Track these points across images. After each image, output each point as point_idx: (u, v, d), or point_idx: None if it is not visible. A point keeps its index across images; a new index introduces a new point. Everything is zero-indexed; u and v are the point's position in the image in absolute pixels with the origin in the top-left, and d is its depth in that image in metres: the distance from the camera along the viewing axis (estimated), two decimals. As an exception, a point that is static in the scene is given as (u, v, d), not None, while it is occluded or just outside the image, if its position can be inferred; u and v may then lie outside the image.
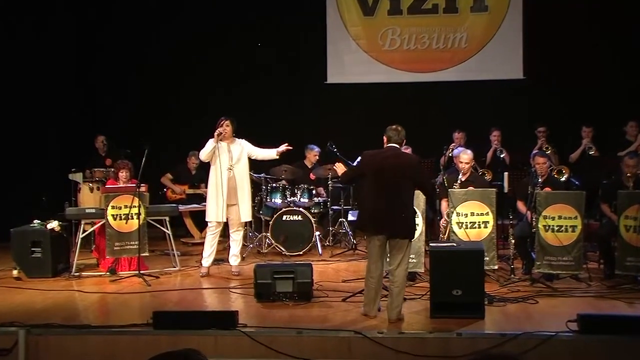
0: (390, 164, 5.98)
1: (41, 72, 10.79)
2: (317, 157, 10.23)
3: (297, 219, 9.30)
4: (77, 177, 9.93)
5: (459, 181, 7.92)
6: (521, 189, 7.93)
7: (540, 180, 7.69)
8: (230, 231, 8.14)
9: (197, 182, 10.38)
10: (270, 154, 8.27)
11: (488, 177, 9.18)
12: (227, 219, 8.05)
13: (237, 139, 8.10)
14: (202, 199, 9.64)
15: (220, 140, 7.92)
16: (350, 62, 11.83)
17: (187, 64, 11.71)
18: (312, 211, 9.63)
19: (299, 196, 9.51)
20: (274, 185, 9.60)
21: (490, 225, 7.51)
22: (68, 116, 11.41)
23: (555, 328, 5.56)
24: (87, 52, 11.83)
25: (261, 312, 6.39)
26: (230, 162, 7.94)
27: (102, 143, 10.72)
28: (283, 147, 8.23)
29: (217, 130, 7.90)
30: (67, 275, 8.06)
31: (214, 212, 7.96)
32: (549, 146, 10.03)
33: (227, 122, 7.97)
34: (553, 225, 7.28)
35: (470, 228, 7.51)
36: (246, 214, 8.09)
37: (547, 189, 7.62)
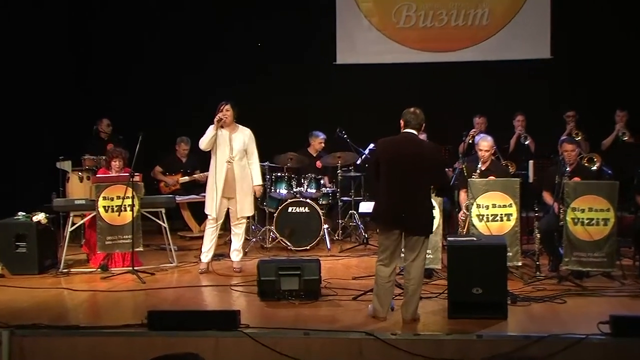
0: (407, 152, 5.93)
1: (26, 50, 10.78)
2: (323, 145, 10.23)
3: (303, 211, 9.29)
4: (66, 165, 9.92)
5: (478, 170, 7.88)
6: (548, 179, 7.89)
7: (568, 169, 7.65)
8: (231, 224, 8.14)
9: (190, 168, 10.38)
10: (255, 178, 8.11)
11: (512, 169, 9.13)
12: (228, 210, 8.05)
13: (240, 126, 8.05)
14: (200, 188, 9.63)
15: (221, 127, 7.89)
16: (362, 41, 11.80)
17: (188, 45, 11.71)
18: (320, 202, 9.63)
19: (305, 186, 9.50)
20: (278, 174, 9.59)
21: (513, 218, 7.47)
22: (56, 100, 11.40)
23: (585, 330, 5.53)
24: (78, 32, 11.86)
25: (265, 312, 6.38)
26: (230, 154, 7.91)
27: (106, 127, 10.72)
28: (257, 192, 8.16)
29: (217, 116, 7.87)
30: (55, 272, 8.07)
31: (210, 205, 7.96)
32: (579, 132, 9.97)
33: (227, 106, 7.92)
34: (583, 218, 7.24)
35: (492, 221, 7.47)
36: (246, 209, 8.06)
37: (576, 179, 7.57)
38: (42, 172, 10.30)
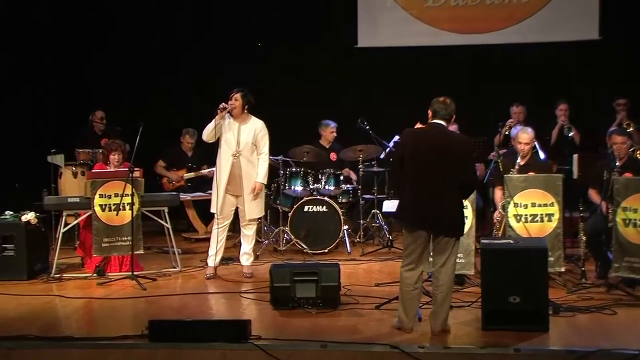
0: (434, 144, 5.90)
1: (12, 35, 10.86)
2: (335, 134, 10.23)
3: (321, 210, 9.29)
4: (58, 159, 9.96)
5: (516, 165, 7.84)
6: (594, 175, 7.83)
7: (618, 163, 7.60)
8: (240, 225, 8.14)
9: (196, 163, 10.40)
10: (259, 174, 8.04)
11: (553, 168, 9.06)
12: (237, 210, 8.06)
13: (253, 117, 8.04)
14: (207, 184, 9.64)
15: (231, 116, 7.90)
16: (386, 22, 11.79)
17: (196, 26, 11.75)
18: (340, 201, 9.63)
19: (323, 183, 9.50)
20: (293, 169, 9.59)
21: (555, 219, 7.43)
22: (46, 89, 11.48)
23: (638, 345, 5.50)
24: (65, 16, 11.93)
25: (278, 322, 6.39)
26: (236, 147, 7.92)
27: (100, 119, 10.77)
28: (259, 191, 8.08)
29: (221, 104, 7.87)
30: (46, 278, 8.10)
31: (214, 203, 8.01)
32: (631, 122, 9.86)
33: (237, 95, 7.93)
34: (635, 219, 7.18)
35: (531, 222, 7.44)
36: (254, 210, 8.06)
37: (628, 175, 7.52)
38: (31, 166, 10.34)
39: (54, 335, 6.00)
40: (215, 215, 8.04)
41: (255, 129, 8.00)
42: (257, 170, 8.03)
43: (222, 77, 10.99)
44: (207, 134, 7.95)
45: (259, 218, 8.45)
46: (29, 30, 11.18)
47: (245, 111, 7.97)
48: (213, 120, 7.89)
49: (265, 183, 8.17)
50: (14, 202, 8.69)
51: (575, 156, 9.02)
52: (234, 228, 8.57)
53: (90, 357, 5.74)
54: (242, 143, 7.94)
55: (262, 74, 11.45)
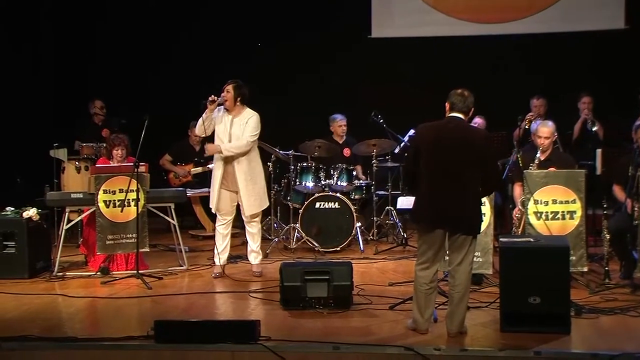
0: (451, 139, 5.88)
1: (9, 27, 10.92)
2: (344, 127, 10.24)
3: (333, 206, 9.30)
4: (61, 154, 9.99)
5: (537, 160, 7.81)
6: (619, 171, 7.79)
7: (644, 159, 7.56)
8: (244, 221, 8.17)
9: (204, 157, 10.41)
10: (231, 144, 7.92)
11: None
12: (239, 205, 8.09)
13: (247, 110, 8.01)
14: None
15: (225, 110, 7.91)
16: (400, 12, 11.79)
17: (204, 16, 11.79)
18: (352, 197, 9.63)
19: (335, 178, 9.51)
20: (304, 165, 9.59)
21: (577, 216, 7.40)
22: (47, 79, 11.52)
23: (664, 348, 5.49)
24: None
25: (288, 322, 6.39)
26: (227, 140, 7.92)
27: (100, 109, 10.79)
28: None
29: (210, 97, 7.85)
30: (48, 276, 8.14)
31: (211, 200, 8.08)
32: (657, 116, 9.84)
33: (229, 86, 7.91)
34: (661, 217, 7.16)
35: (552, 219, 7.41)
36: (252, 205, 8.03)
37: (653, 170, 7.48)
38: (33, 161, 10.38)
39: (56, 335, 6.00)
40: (219, 215, 8.05)
41: (246, 121, 7.96)
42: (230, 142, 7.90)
43: (232, 69, 10.98)
44: (198, 127, 7.99)
45: (269, 216, 8.45)
46: (25, 19, 11.21)
47: (239, 103, 7.94)
48: (203, 114, 7.90)
49: (226, 153, 7.88)
50: (15, 197, 8.73)
51: (599, 151, 8.97)
52: (242, 226, 8.58)
53: (94, 359, 5.75)
54: (233, 136, 7.91)
55: (273, 66, 11.45)
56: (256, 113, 8.02)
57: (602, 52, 11.10)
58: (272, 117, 10.52)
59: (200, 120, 7.91)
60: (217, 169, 7.99)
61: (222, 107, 7.94)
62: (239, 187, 7.95)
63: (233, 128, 7.92)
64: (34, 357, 5.78)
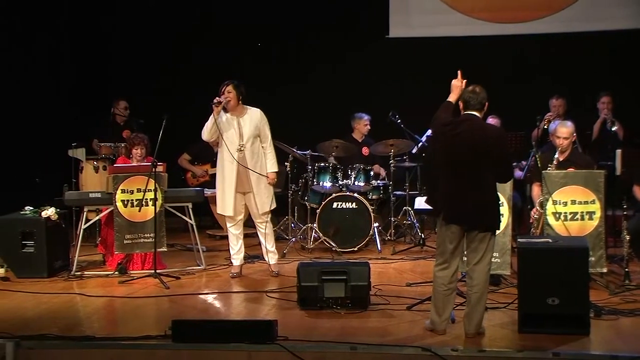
0: (467, 136, 5.88)
1: (29, 26, 10.97)
2: (369, 127, 10.26)
3: (350, 206, 9.29)
4: (79, 153, 10.02)
5: (555, 161, 7.79)
6: (639, 171, 7.75)
7: (664, 159, 7.53)
8: (255, 223, 8.17)
9: None
10: (270, 165, 8.07)
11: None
12: (246, 206, 8.10)
13: (249, 107, 8.02)
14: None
15: (225, 111, 7.90)
16: (418, 11, 11.76)
17: (219, 16, 11.80)
18: (370, 197, 9.63)
19: (353, 178, 9.50)
20: (322, 165, 9.59)
21: (596, 217, 7.37)
22: (66, 79, 11.58)
23: (685, 350, 5.46)
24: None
25: (306, 323, 6.39)
26: (239, 141, 7.91)
27: (123, 110, 10.83)
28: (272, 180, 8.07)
29: (215, 99, 7.84)
30: (66, 275, 8.18)
31: (221, 203, 8.03)
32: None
33: (229, 87, 7.89)
34: (681, 218, 7.13)
35: (571, 220, 7.38)
36: (266, 203, 8.04)
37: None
38: (52, 161, 10.43)
39: (74, 334, 6.03)
40: (229, 216, 8.03)
41: (255, 119, 7.96)
42: (267, 161, 8.03)
43: (251, 69, 11.03)
44: (208, 132, 7.92)
45: (286, 216, 8.46)
46: (44, 18, 11.28)
47: (240, 102, 7.95)
48: (211, 118, 7.87)
49: (277, 170, 8.16)
50: (34, 197, 8.76)
51: (619, 151, 8.93)
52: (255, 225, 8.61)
53: (112, 358, 5.76)
54: (245, 136, 7.91)
55: (291, 66, 11.45)
56: (258, 109, 8.04)
57: (622, 52, 11.04)
58: (290, 116, 10.58)
59: (209, 125, 7.87)
60: (229, 172, 7.93)
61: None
62: (252, 187, 7.96)
63: (244, 128, 7.92)
64: (53, 355, 5.81)
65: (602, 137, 9.96)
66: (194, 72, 11.69)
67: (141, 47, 11.93)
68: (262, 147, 8.04)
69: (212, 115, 7.86)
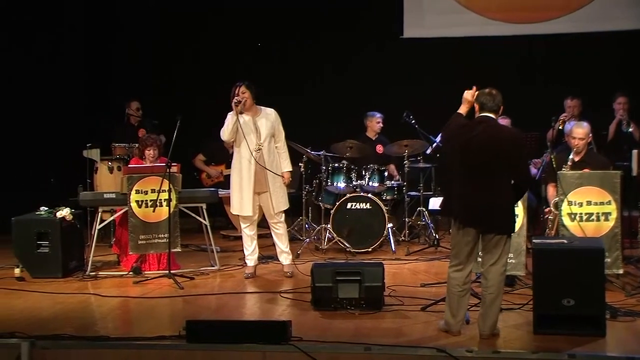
0: (483, 138, 5.86)
1: (44, 28, 11.03)
2: (381, 125, 10.28)
3: (364, 207, 9.29)
4: (94, 154, 10.06)
5: (570, 162, 7.76)
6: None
7: (680, 160, 7.48)
8: (269, 223, 8.18)
9: None
10: (285, 164, 8.14)
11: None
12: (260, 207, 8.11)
13: (262, 108, 8.05)
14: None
15: (240, 112, 7.91)
16: (432, 12, 11.75)
17: (233, 16, 11.81)
18: (384, 198, 9.62)
19: (367, 179, 9.49)
20: (336, 165, 9.59)
21: (612, 218, 7.34)
22: (81, 80, 11.62)
23: (702, 352, 5.43)
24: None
25: (320, 323, 6.39)
26: (257, 140, 7.93)
27: (135, 111, 10.86)
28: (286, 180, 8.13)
29: (234, 100, 7.85)
30: (81, 275, 8.21)
31: (238, 204, 8.02)
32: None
33: (243, 87, 7.91)
34: (698, 219, 7.09)
35: (587, 221, 7.35)
36: (282, 202, 8.08)
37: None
38: (66, 161, 10.47)
39: (89, 335, 6.04)
40: (245, 217, 8.04)
41: (270, 118, 8.00)
42: (282, 160, 8.08)
43: (263, 69, 11.04)
44: (228, 132, 7.91)
45: (300, 217, 8.46)
46: (59, 19, 11.34)
47: (254, 102, 7.98)
48: (230, 118, 7.88)
49: (292, 169, 8.25)
50: (49, 197, 8.80)
51: (635, 152, 8.88)
52: (269, 226, 8.60)
53: (126, 358, 5.78)
54: (263, 135, 7.94)
55: (305, 66, 11.45)
56: (271, 108, 8.07)
57: (638, 52, 10.98)
58: (304, 117, 10.58)
59: (230, 125, 7.86)
60: (248, 172, 7.94)
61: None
62: (269, 186, 7.97)
63: (261, 128, 7.94)
64: (67, 355, 5.83)
65: (617, 138, 9.91)
66: (205, 73, 11.70)
67: (155, 47, 11.94)
68: (276, 146, 8.06)
69: (231, 116, 7.87)
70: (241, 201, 7.99)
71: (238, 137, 7.92)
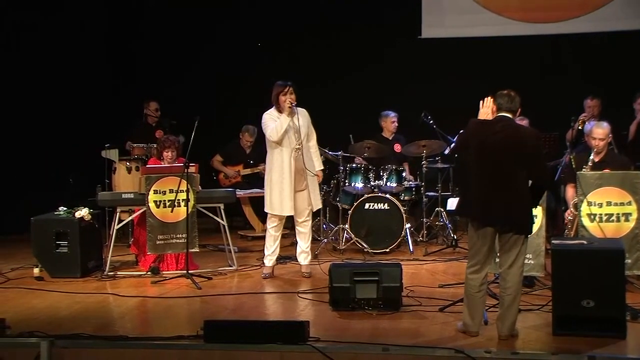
0: (500, 138, 5.85)
1: (65, 28, 11.08)
2: (396, 124, 10.30)
3: (382, 207, 9.28)
4: (112, 154, 10.12)
5: (590, 162, 7.72)
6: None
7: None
8: (297, 222, 8.17)
9: (254, 160, 10.47)
10: (317, 163, 8.25)
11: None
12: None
13: (295, 107, 8.07)
14: (263, 181, 9.69)
15: (280, 112, 7.94)
16: (451, 11, 11.74)
17: (249, 17, 11.84)
18: (402, 198, 9.61)
19: (385, 179, 9.49)
20: (354, 165, 9.60)
21: (633, 219, 7.29)
22: (100, 81, 11.67)
23: None
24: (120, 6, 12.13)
25: (338, 324, 6.39)
26: (297, 140, 7.98)
27: (154, 111, 10.90)
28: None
29: (287, 101, 7.89)
30: (100, 275, 8.24)
31: (278, 204, 8.00)
32: None
33: (292, 88, 7.97)
34: None
35: (606, 221, 7.31)
36: (318, 201, 8.19)
37: None
38: (85, 161, 10.52)
39: (107, 334, 6.07)
40: (269, 214, 8.07)
41: (305, 118, 8.09)
42: (315, 159, 8.20)
43: (281, 69, 11.01)
44: (279, 131, 7.91)
45: (318, 217, 8.47)
46: (79, 21, 11.40)
47: None
48: (283, 119, 7.89)
49: (323, 167, 8.39)
50: (67, 197, 8.84)
51: (655, 152, 8.87)
52: (289, 224, 8.59)
53: (144, 357, 5.80)
54: (302, 134, 7.99)
55: (322, 66, 11.46)
56: (303, 109, 8.13)
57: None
58: (322, 117, 10.56)
59: (284, 126, 7.88)
60: (288, 171, 7.96)
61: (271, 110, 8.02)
62: (308, 184, 8.01)
63: (301, 128, 7.97)
64: (86, 354, 5.86)
65: (638, 138, 9.86)
66: (223, 74, 11.73)
67: (173, 48, 11.97)
68: (309, 145, 8.13)
69: (283, 116, 7.90)
70: (282, 201, 7.99)
71: (283, 137, 7.98)
